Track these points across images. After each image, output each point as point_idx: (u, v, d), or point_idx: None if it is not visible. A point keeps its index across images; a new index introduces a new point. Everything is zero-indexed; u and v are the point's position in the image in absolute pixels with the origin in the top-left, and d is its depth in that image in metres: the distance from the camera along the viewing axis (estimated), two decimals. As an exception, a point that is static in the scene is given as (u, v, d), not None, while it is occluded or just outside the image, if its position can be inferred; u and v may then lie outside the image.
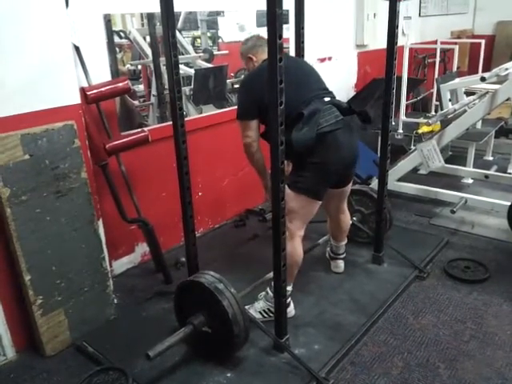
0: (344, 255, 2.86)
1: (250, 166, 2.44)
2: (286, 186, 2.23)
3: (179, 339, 2.07)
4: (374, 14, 4.70)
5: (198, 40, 3.55)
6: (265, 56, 2.34)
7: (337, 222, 2.73)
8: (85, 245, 2.39)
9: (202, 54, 3.54)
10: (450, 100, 4.25)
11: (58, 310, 2.31)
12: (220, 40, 3.62)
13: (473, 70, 5.64)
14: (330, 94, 2.39)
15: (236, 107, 2.36)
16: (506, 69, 3.29)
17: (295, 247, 2.31)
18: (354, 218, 3.08)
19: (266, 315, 2.41)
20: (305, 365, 2.09)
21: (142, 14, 2.99)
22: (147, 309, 2.62)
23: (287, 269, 2.12)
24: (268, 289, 2.43)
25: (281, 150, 1.84)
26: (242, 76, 3.78)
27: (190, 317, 2.13)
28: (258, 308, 2.44)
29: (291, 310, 2.43)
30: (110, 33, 2.69)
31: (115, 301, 2.61)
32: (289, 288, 2.30)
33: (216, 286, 2.06)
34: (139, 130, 2.76)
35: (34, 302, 2.21)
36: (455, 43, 5.10)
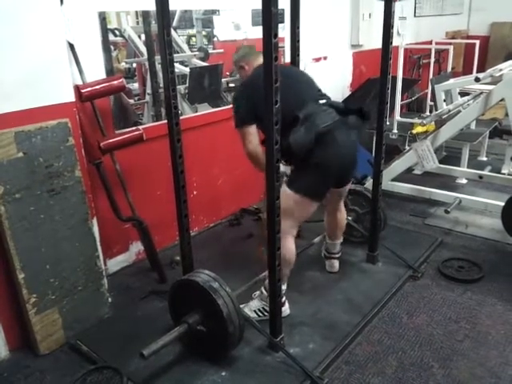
0: (339, 255, 2.87)
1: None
2: (285, 185, 2.23)
3: (174, 338, 2.06)
4: (370, 14, 4.71)
5: (194, 38, 3.54)
6: (257, 63, 2.40)
7: (334, 219, 2.74)
8: (79, 243, 2.38)
9: (197, 53, 3.53)
10: (444, 100, 4.26)
11: (52, 308, 2.30)
12: (215, 39, 3.61)
13: (467, 70, 5.67)
14: (324, 96, 2.40)
15: (233, 116, 2.35)
16: (501, 69, 3.30)
17: (287, 247, 2.30)
18: (349, 218, 3.09)
19: (260, 314, 2.41)
20: (299, 364, 2.10)
21: (137, 12, 2.99)
22: (142, 308, 2.61)
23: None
24: (262, 288, 2.43)
25: (276, 148, 1.84)
26: (237, 76, 3.78)
27: (184, 316, 2.13)
28: (252, 307, 2.44)
29: (286, 309, 2.43)
30: (105, 31, 2.68)
31: (109, 299, 2.60)
32: (283, 287, 2.30)
33: (211, 285, 2.06)
34: (134, 128, 2.75)
35: (28, 300, 2.20)
36: (450, 44, 5.12)
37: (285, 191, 2.21)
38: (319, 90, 2.45)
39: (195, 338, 2.16)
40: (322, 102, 2.32)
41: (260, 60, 2.15)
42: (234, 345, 2.14)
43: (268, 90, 1.77)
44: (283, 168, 2.26)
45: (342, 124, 2.28)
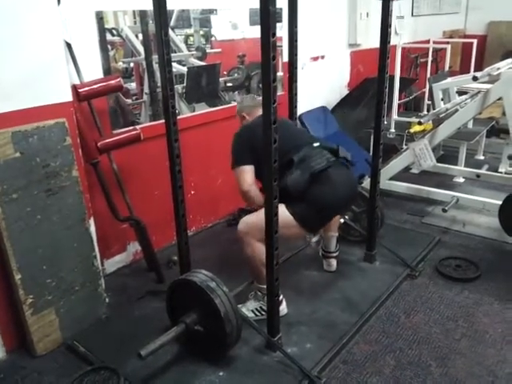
0: (337, 253, 2.86)
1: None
2: (283, 206, 2.23)
3: (171, 338, 2.06)
4: (367, 14, 4.71)
5: (191, 38, 3.53)
6: (258, 114, 2.43)
7: None
8: (76, 243, 2.38)
9: (194, 52, 3.52)
10: (441, 99, 4.27)
11: (48, 309, 2.29)
12: (213, 38, 3.60)
13: (465, 69, 5.67)
14: (318, 141, 2.48)
15: (231, 157, 2.39)
16: (498, 68, 3.31)
17: (255, 249, 2.27)
18: (346, 217, 3.09)
19: (258, 314, 2.41)
20: (297, 363, 2.09)
21: (134, 12, 2.98)
22: (139, 308, 2.61)
23: (255, 270, 2.19)
24: (255, 288, 2.43)
25: (274, 147, 1.84)
26: (236, 75, 3.78)
27: (182, 316, 2.12)
28: (250, 307, 2.44)
29: (283, 309, 2.43)
30: (102, 30, 2.67)
31: (107, 300, 2.60)
32: (263, 286, 2.29)
33: (208, 285, 2.06)
34: (131, 127, 2.74)
35: (25, 301, 2.19)
36: (447, 43, 5.12)
37: (281, 209, 2.21)
38: (311, 136, 2.56)
39: (193, 337, 2.16)
40: (315, 144, 2.41)
41: (261, 111, 2.20)
42: (232, 344, 2.14)
43: (266, 89, 1.77)
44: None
45: (337, 163, 2.38)
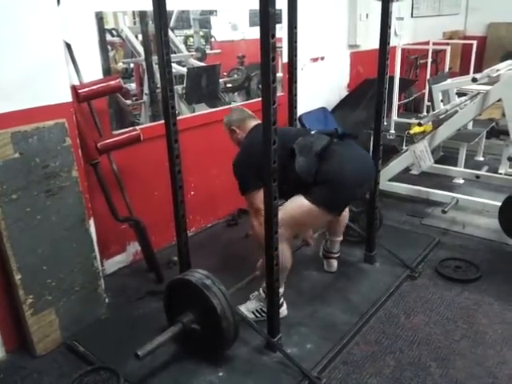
0: (338, 254, 2.86)
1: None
2: (302, 197, 2.24)
3: (168, 338, 2.06)
4: (367, 15, 4.72)
5: (191, 39, 3.53)
6: (248, 127, 2.49)
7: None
8: (76, 244, 2.38)
9: (194, 53, 3.52)
10: (441, 101, 4.27)
11: (48, 309, 2.29)
12: (213, 39, 3.60)
13: (464, 70, 5.66)
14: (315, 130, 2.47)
15: (238, 183, 2.35)
16: (498, 70, 3.31)
17: (286, 254, 2.27)
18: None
19: (258, 315, 2.41)
20: (297, 364, 2.09)
21: (134, 12, 2.98)
22: (139, 308, 2.61)
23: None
24: (260, 289, 2.42)
25: (273, 148, 1.84)
26: (235, 75, 3.77)
27: (179, 315, 2.12)
28: (250, 308, 2.43)
29: (284, 311, 2.42)
30: (102, 31, 2.67)
31: (106, 300, 2.60)
32: (281, 290, 2.30)
33: (203, 283, 2.06)
34: (131, 128, 2.74)
35: (25, 301, 2.19)
36: (447, 44, 5.12)
37: (298, 199, 2.24)
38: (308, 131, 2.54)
39: (190, 336, 2.15)
40: (312, 132, 2.39)
41: (252, 123, 2.19)
42: (230, 342, 2.13)
43: (265, 90, 1.77)
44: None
45: (340, 142, 2.35)
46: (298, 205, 2.22)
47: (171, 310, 2.23)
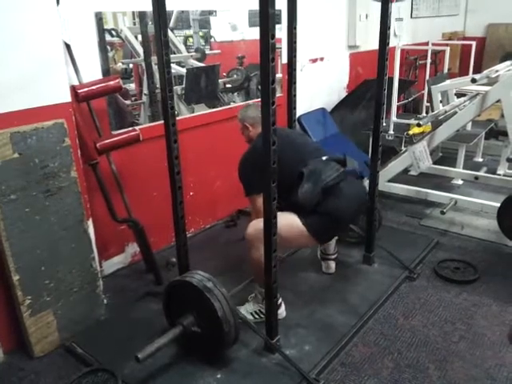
0: (335, 256, 2.86)
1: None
2: (295, 215, 2.27)
3: (168, 340, 2.06)
4: (366, 15, 4.72)
5: (190, 39, 3.53)
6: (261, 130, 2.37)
7: None
8: (74, 245, 2.37)
9: (193, 54, 3.52)
10: (440, 101, 4.27)
11: (46, 310, 2.29)
12: (212, 39, 3.60)
13: (463, 71, 5.68)
14: (325, 153, 2.47)
15: (242, 183, 2.39)
16: (497, 71, 3.32)
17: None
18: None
19: (257, 316, 2.41)
20: (296, 365, 2.09)
21: (133, 13, 2.97)
22: (137, 309, 2.60)
23: (260, 274, 2.11)
24: (256, 292, 2.43)
25: (273, 149, 1.84)
26: (235, 76, 3.77)
27: (179, 317, 2.12)
28: (248, 309, 2.43)
29: (282, 312, 2.43)
30: (102, 31, 2.67)
31: (105, 301, 2.59)
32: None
33: (205, 285, 2.05)
34: (130, 128, 2.74)
35: (23, 302, 2.19)
36: (446, 45, 5.13)
37: (291, 216, 2.26)
38: (317, 148, 2.54)
39: (191, 338, 2.15)
40: (324, 158, 2.40)
41: None
42: (230, 344, 2.13)
43: (265, 91, 1.76)
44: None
45: (346, 175, 2.37)
46: (289, 222, 2.23)
47: (171, 311, 2.23)
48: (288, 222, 2.23)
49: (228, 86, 3.76)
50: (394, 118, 4.50)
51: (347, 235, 3.14)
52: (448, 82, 4.31)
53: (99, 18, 2.63)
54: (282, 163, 1.95)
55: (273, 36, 1.70)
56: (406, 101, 5.51)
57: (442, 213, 3.45)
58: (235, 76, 3.79)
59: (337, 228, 2.45)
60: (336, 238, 2.83)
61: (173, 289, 2.20)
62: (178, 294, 2.19)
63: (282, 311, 2.41)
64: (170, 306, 2.24)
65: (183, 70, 3.42)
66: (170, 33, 3.04)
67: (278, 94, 3.23)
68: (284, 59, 3.24)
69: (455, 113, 3.50)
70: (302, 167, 2.28)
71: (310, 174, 2.26)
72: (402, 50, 5.01)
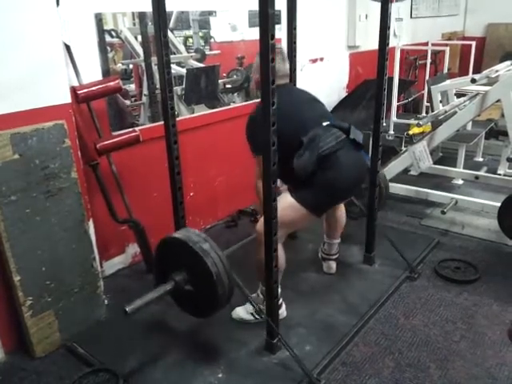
0: (336, 256, 2.86)
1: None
2: (287, 193, 2.22)
3: (159, 295, 1.99)
4: (366, 15, 4.72)
5: (190, 40, 3.54)
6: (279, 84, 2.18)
7: (333, 217, 2.73)
8: (75, 245, 2.37)
9: (193, 54, 3.53)
10: (440, 101, 4.27)
11: (48, 311, 2.29)
12: (212, 40, 3.61)
13: (463, 71, 5.68)
14: (329, 119, 2.40)
15: (249, 142, 2.31)
16: (497, 71, 3.32)
17: (279, 253, 2.22)
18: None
19: (257, 316, 2.40)
20: (300, 363, 2.07)
21: (133, 14, 2.98)
22: (138, 310, 2.60)
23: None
24: (259, 291, 2.43)
25: (273, 150, 1.84)
26: (235, 76, 3.78)
27: (170, 275, 2.04)
28: (249, 310, 2.43)
29: (283, 312, 2.42)
30: (102, 32, 2.68)
31: (106, 302, 2.60)
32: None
33: (201, 246, 1.98)
34: (130, 129, 2.74)
35: (24, 303, 2.19)
36: (446, 45, 5.13)
37: (285, 198, 2.23)
38: (324, 113, 2.46)
39: (180, 296, 2.10)
40: (325, 123, 2.32)
41: (279, 81, 2.09)
42: (222, 306, 2.07)
43: (265, 91, 1.77)
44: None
45: (346, 144, 2.30)
46: (283, 206, 2.10)
47: (161, 268, 2.13)
48: (282, 204, 2.10)
49: (228, 86, 3.77)
50: (393, 118, 4.51)
51: (349, 210, 3.07)
52: (448, 81, 4.31)
53: (99, 19, 2.64)
54: (283, 139, 1.91)
55: (272, 36, 1.70)
56: (406, 101, 5.51)
57: (443, 212, 3.45)
58: (235, 76, 3.80)
59: (332, 200, 2.39)
60: (339, 239, 2.82)
61: (166, 245, 2.11)
62: (171, 252, 2.09)
63: (282, 311, 2.41)
64: (160, 262, 2.14)
65: (183, 71, 3.43)
66: (169, 33, 3.05)
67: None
68: (284, 59, 3.24)
69: (455, 113, 3.50)
70: (304, 135, 2.21)
71: (308, 141, 2.19)
72: (402, 50, 5.01)
